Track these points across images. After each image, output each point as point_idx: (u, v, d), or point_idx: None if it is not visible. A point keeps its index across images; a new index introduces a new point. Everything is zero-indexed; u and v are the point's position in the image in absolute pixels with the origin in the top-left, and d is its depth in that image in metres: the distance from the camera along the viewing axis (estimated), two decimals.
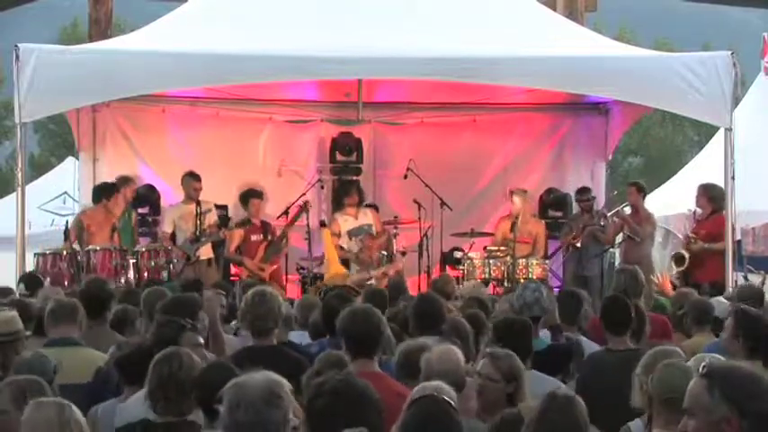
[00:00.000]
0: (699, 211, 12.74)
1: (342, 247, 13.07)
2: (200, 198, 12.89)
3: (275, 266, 13.05)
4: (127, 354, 5.75)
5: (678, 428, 3.51)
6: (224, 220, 13.21)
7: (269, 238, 13.06)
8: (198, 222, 12.71)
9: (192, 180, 12.92)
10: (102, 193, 12.41)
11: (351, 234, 12.99)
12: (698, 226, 12.41)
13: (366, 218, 13.15)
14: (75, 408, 4.28)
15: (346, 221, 13.09)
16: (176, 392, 4.87)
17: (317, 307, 7.79)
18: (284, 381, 3.68)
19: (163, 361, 4.98)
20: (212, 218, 12.97)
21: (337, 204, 13.52)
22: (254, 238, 13.09)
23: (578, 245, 13.09)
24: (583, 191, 13.60)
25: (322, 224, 13.24)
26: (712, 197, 12.27)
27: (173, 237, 12.89)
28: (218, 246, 13.12)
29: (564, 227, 13.72)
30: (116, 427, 5.16)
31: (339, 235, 13.08)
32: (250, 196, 13.13)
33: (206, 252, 12.89)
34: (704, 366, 3.45)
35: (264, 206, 13.26)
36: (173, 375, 4.89)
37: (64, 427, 4.17)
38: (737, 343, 6.04)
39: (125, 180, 12.93)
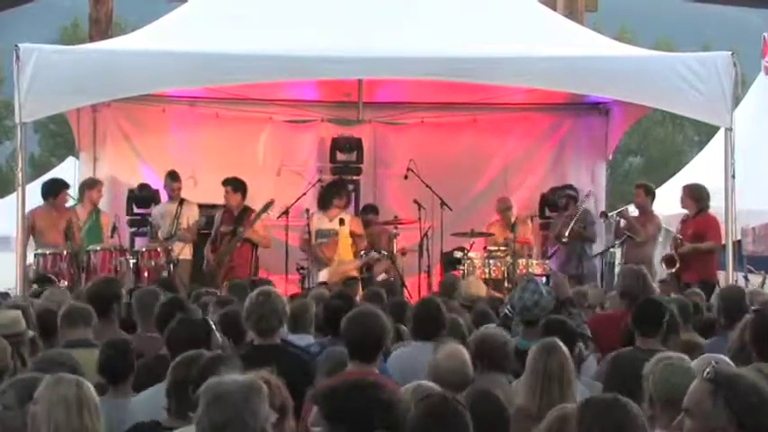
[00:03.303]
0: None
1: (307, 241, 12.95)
2: (185, 199, 12.95)
3: (232, 265, 12.69)
4: (108, 356, 5.74)
5: (673, 425, 3.48)
6: (211, 221, 13.16)
7: (238, 231, 12.74)
8: (175, 222, 12.73)
9: (170, 180, 12.99)
10: (49, 190, 12.18)
11: (317, 235, 12.89)
12: (684, 227, 12.39)
13: (342, 224, 12.88)
14: (90, 386, 4.31)
15: (320, 220, 12.98)
16: (187, 397, 4.85)
17: (314, 306, 7.78)
18: (260, 381, 3.69)
19: (182, 364, 4.97)
20: (193, 218, 12.95)
21: (323, 204, 13.13)
22: (223, 228, 12.97)
23: (564, 240, 13.10)
24: (560, 188, 13.65)
25: (341, 222, 13.06)
26: (698, 198, 12.25)
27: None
28: (197, 248, 13.07)
29: (551, 226, 13.77)
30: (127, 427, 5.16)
31: (310, 233, 12.91)
32: (222, 183, 12.93)
33: (184, 252, 12.85)
34: (710, 370, 3.42)
35: (237, 196, 12.90)
36: (186, 380, 4.88)
37: (81, 405, 4.18)
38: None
39: (91, 183, 12.84)
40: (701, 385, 3.41)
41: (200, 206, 13.31)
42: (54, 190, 12.19)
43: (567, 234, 13.01)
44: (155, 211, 13.20)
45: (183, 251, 12.82)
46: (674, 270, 12.05)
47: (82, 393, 4.24)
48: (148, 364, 6.03)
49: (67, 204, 12.40)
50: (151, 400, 5.23)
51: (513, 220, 13.26)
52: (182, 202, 13.00)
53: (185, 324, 5.85)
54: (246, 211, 12.93)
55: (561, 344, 5.43)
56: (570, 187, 13.69)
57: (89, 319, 6.86)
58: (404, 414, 3.54)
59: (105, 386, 5.72)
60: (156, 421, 4.95)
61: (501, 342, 6.01)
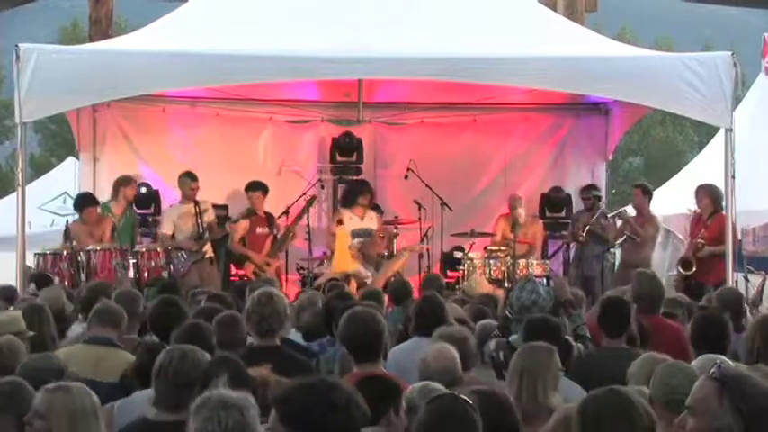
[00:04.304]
0: (698, 211, 12.71)
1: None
2: (197, 198, 12.89)
3: (278, 263, 12.99)
4: (145, 361, 5.77)
5: (676, 422, 3.46)
6: (223, 220, 13.18)
7: (274, 231, 13.03)
8: (198, 221, 12.71)
9: (188, 180, 12.89)
10: (74, 204, 12.54)
11: (354, 234, 12.93)
12: (703, 228, 12.37)
13: (372, 222, 13.06)
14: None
15: (351, 220, 13.03)
16: (167, 387, 4.87)
17: (311, 308, 7.77)
18: (249, 395, 3.73)
19: (165, 353, 5.01)
20: (210, 216, 12.95)
21: (348, 201, 13.27)
22: (259, 230, 13.04)
23: (581, 240, 13.09)
24: (586, 188, 13.66)
25: (339, 222, 13.07)
26: (716, 198, 12.27)
27: (173, 237, 12.86)
28: (218, 245, 13.09)
29: (569, 226, 13.74)
30: (119, 428, 5.16)
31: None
32: (249, 189, 13.05)
33: (209, 250, 12.88)
34: (717, 369, 3.38)
35: (264, 200, 13.09)
36: (162, 369, 4.90)
37: (96, 412, 4.23)
38: None
39: (125, 180, 12.96)
40: (707, 383, 3.39)
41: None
42: (79, 205, 12.54)
43: (584, 233, 13.01)
44: (169, 214, 13.01)
45: (209, 250, 12.85)
46: (690, 272, 12.06)
47: (94, 401, 4.28)
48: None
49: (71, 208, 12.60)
50: (139, 402, 5.24)
51: (519, 220, 13.19)
52: (197, 201, 12.92)
53: (193, 330, 5.90)
54: (269, 215, 13.05)
55: (545, 344, 5.45)
56: (595, 187, 13.67)
57: (118, 322, 6.88)
58: (363, 414, 3.53)
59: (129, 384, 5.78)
60: (143, 417, 4.96)
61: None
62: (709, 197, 12.35)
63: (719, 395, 3.33)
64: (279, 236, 13.06)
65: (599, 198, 13.51)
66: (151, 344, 6.11)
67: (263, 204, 13.09)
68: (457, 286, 12.62)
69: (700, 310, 7.08)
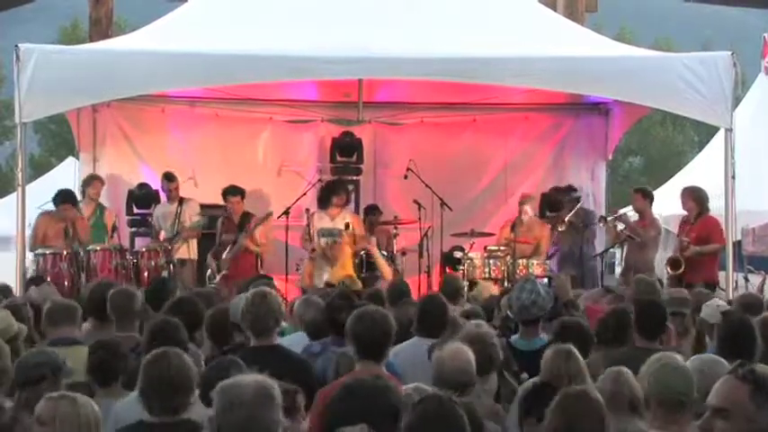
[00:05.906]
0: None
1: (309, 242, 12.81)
2: (185, 197, 13.01)
3: (233, 273, 12.52)
4: (99, 357, 5.75)
5: (700, 425, 3.35)
6: (212, 221, 13.17)
7: (238, 240, 12.81)
8: (176, 221, 12.77)
9: (165, 181, 13.07)
10: (53, 199, 12.16)
11: (320, 234, 12.78)
12: (687, 229, 12.39)
13: (344, 223, 12.78)
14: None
15: (321, 220, 12.93)
16: (166, 391, 4.85)
17: (315, 306, 7.76)
18: (274, 383, 3.69)
19: (152, 362, 4.95)
20: (192, 218, 12.96)
21: (323, 203, 13.04)
22: (224, 237, 12.98)
23: (560, 229, 13.12)
24: (566, 190, 13.61)
25: (347, 226, 13.00)
26: (700, 200, 12.26)
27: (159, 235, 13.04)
28: (204, 246, 13.08)
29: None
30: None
31: (311, 235, 12.79)
32: (228, 194, 12.94)
33: (182, 252, 12.88)
34: (746, 371, 3.29)
35: (243, 203, 12.98)
36: (162, 375, 4.88)
37: (98, 423, 4.21)
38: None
39: (88, 179, 12.96)
40: (738, 385, 3.28)
41: (201, 206, 13.32)
42: (55, 200, 12.12)
43: (564, 221, 13.04)
44: (156, 211, 13.26)
45: (186, 251, 12.84)
46: (678, 272, 12.07)
47: (97, 413, 4.28)
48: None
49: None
50: (135, 403, 5.20)
51: (522, 217, 13.13)
52: (181, 201, 13.04)
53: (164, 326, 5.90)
54: (247, 216, 12.93)
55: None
56: (573, 189, 13.64)
57: (73, 317, 6.83)
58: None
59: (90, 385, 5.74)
60: (139, 420, 4.93)
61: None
62: (694, 200, 12.33)
63: (756, 397, 3.23)
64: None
65: (578, 201, 13.41)
66: (106, 341, 6.06)
67: (242, 208, 12.97)
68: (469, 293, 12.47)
69: (725, 316, 7.00)
